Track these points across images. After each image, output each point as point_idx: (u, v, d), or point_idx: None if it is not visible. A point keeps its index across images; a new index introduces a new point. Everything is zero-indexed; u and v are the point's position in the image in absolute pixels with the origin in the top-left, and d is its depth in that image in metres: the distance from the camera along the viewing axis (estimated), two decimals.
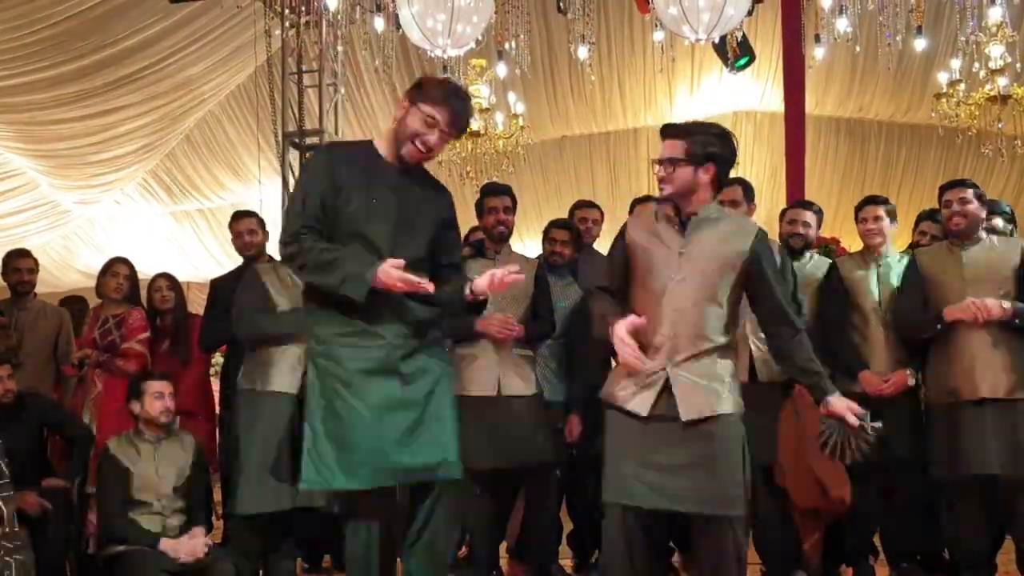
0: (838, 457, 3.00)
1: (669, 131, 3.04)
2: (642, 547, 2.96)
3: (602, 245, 4.91)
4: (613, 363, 3.15)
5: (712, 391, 2.93)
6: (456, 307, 3.07)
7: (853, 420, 2.92)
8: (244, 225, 4.91)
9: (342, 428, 2.89)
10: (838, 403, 2.94)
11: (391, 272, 2.80)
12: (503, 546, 4.59)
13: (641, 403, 2.93)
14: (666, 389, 2.92)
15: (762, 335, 4.15)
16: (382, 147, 3.04)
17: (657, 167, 3.02)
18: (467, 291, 3.00)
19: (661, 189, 3.03)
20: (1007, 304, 3.84)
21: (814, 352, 3.07)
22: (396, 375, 2.91)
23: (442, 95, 2.93)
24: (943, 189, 4.16)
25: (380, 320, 2.91)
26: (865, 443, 2.94)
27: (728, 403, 2.95)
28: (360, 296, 2.81)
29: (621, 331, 2.86)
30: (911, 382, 4.10)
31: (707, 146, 2.98)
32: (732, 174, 3.18)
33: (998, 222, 4.41)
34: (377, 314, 2.90)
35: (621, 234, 3.14)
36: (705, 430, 2.91)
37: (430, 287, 2.84)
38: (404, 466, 2.88)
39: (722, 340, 2.98)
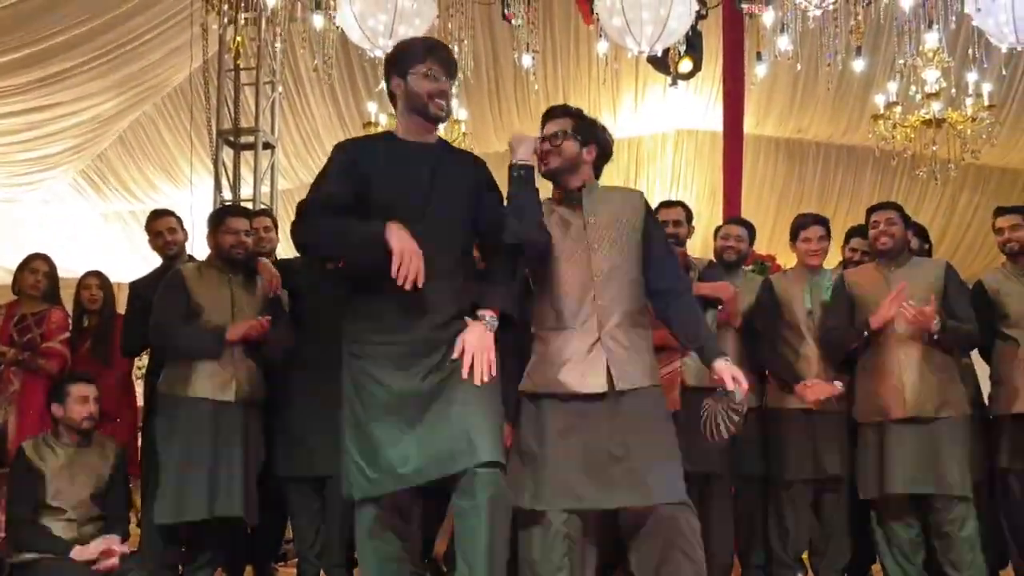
0: (712, 434, 2.90)
1: (555, 111, 3.14)
2: (581, 553, 2.90)
3: None
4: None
5: (641, 361, 2.94)
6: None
7: (730, 384, 2.85)
8: (164, 224, 4.71)
9: (364, 432, 2.76)
10: (722, 367, 2.89)
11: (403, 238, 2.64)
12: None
13: (594, 381, 2.88)
14: (602, 363, 2.90)
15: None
16: (400, 130, 2.96)
17: (543, 143, 3.05)
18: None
19: (547, 163, 3.06)
20: (937, 321, 3.88)
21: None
22: (420, 371, 2.75)
23: (422, 49, 2.90)
24: (871, 211, 4.26)
25: (410, 316, 2.76)
26: (735, 412, 2.85)
27: (655, 374, 2.98)
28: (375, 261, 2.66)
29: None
30: (839, 385, 4.12)
31: (592, 129, 3.10)
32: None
33: (913, 241, 4.48)
34: (407, 310, 2.75)
35: None
36: (639, 405, 2.89)
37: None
38: (415, 466, 2.68)
39: (640, 305, 3.02)
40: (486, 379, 2.71)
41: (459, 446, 2.67)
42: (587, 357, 2.91)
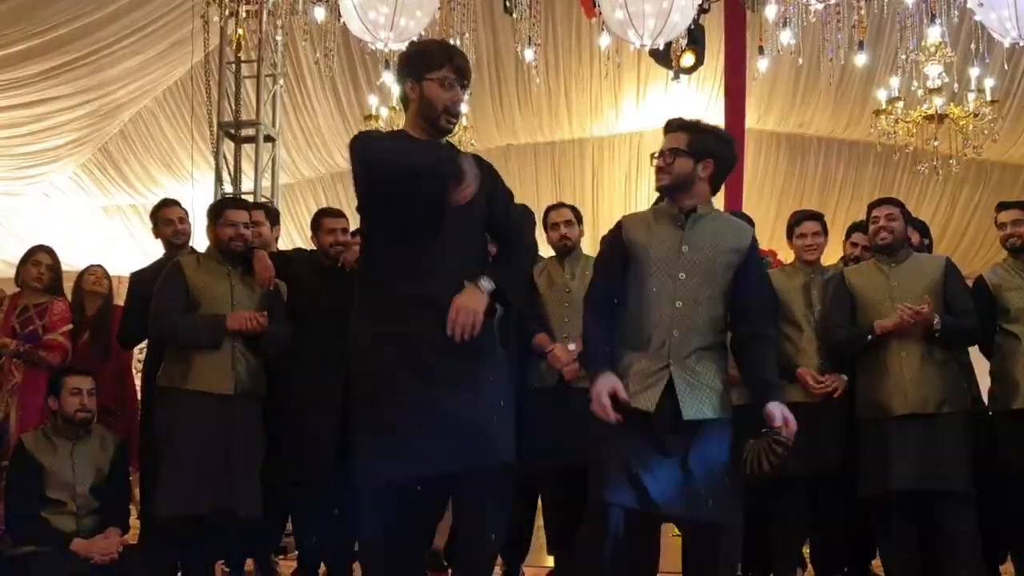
0: (753, 470, 2.91)
1: (673, 124, 3.06)
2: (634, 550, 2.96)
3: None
4: None
5: (712, 392, 2.93)
6: None
7: (778, 422, 2.86)
8: (175, 212, 4.75)
9: (378, 422, 2.78)
10: (773, 406, 2.90)
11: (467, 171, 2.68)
12: None
13: (647, 400, 2.89)
14: (669, 387, 2.90)
15: None
16: (412, 130, 2.97)
17: (657, 159, 3.01)
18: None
19: (659, 179, 3.01)
20: (937, 319, 3.88)
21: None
22: (427, 370, 2.77)
23: (440, 54, 2.91)
24: (871, 207, 4.25)
25: (426, 308, 2.79)
26: (779, 446, 2.86)
27: (725, 407, 2.97)
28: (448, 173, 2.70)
29: (603, 394, 2.83)
30: (844, 377, 4.14)
31: (708, 142, 3.00)
32: None
33: (914, 237, 4.48)
34: (423, 303, 2.79)
35: (617, 232, 3.08)
36: (703, 433, 2.89)
37: None
38: (430, 456, 2.72)
39: (720, 338, 2.99)
40: (466, 337, 2.72)
41: (476, 442, 2.72)
42: (651, 378, 2.91)
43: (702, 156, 2.98)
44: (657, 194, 3.21)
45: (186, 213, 4.81)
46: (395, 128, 8.29)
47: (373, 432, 2.78)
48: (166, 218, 4.73)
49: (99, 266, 5.06)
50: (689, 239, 2.97)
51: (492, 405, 2.82)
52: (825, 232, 4.45)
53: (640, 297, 2.97)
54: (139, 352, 5.32)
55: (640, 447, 2.88)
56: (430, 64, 2.88)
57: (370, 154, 2.82)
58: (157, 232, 4.78)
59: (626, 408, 2.88)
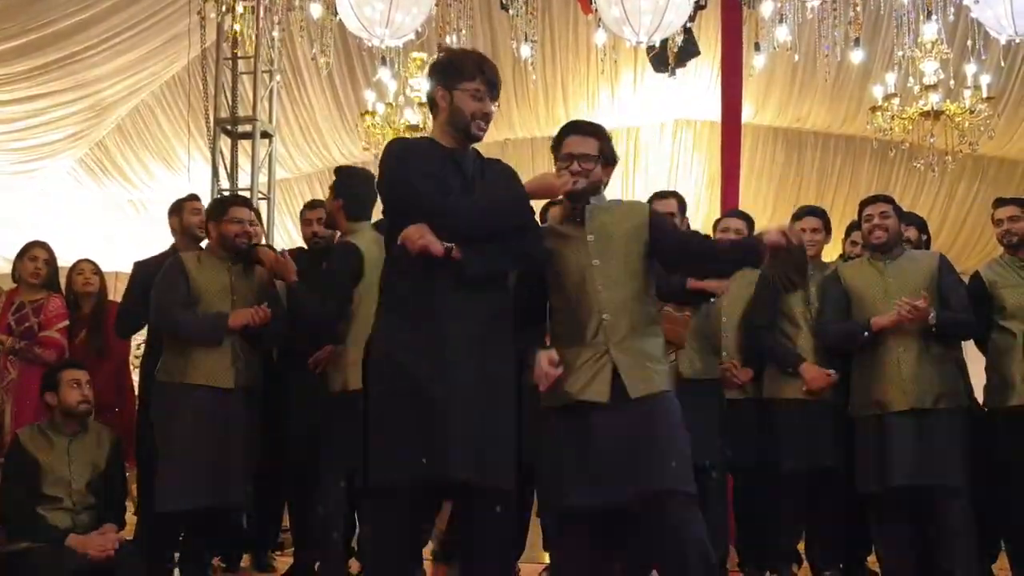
0: (787, 284, 3.09)
1: (584, 128, 3.14)
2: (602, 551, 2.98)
3: None
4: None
5: (651, 368, 2.97)
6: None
7: (776, 237, 2.94)
8: (200, 205, 4.72)
9: (393, 423, 2.80)
10: (769, 233, 2.98)
11: None
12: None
13: (599, 391, 2.92)
14: (613, 372, 2.93)
15: None
16: (441, 137, 3.01)
17: (572, 163, 3.05)
18: None
19: (575, 183, 3.05)
20: (933, 314, 3.88)
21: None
22: (449, 375, 2.78)
23: (472, 66, 2.95)
24: (863, 204, 4.25)
25: (444, 318, 2.82)
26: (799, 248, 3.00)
27: (665, 380, 3.00)
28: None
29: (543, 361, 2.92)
30: (833, 373, 4.16)
31: (612, 150, 3.13)
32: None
33: (911, 232, 4.49)
34: (440, 311, 2.82)
35: None
36: (649, 409, 2.91)
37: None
38: (445, 462, 2.74)
39: (650, 314, 3.06)
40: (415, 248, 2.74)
41: (489, 459, 2.77)
42: (594, 367, 2.95)
43: (609, 162, 3.11)
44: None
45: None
46: (392, 124, 8.35)
47: (388, 434, 2.80)
48: (193, 208, 4.69)
49: (88, 261, 5.00)
50: (591, 228, 3.05)
51: (512, 428, 2.91)
52: (827, 230, 4.46)
53: (563, 294, 3.04)
54: (136, 349, 5.32)
55: (587, 443, 2.91)
56: (462, 75, 2.92)
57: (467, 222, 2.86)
58: (180, 222, 4.70)
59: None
